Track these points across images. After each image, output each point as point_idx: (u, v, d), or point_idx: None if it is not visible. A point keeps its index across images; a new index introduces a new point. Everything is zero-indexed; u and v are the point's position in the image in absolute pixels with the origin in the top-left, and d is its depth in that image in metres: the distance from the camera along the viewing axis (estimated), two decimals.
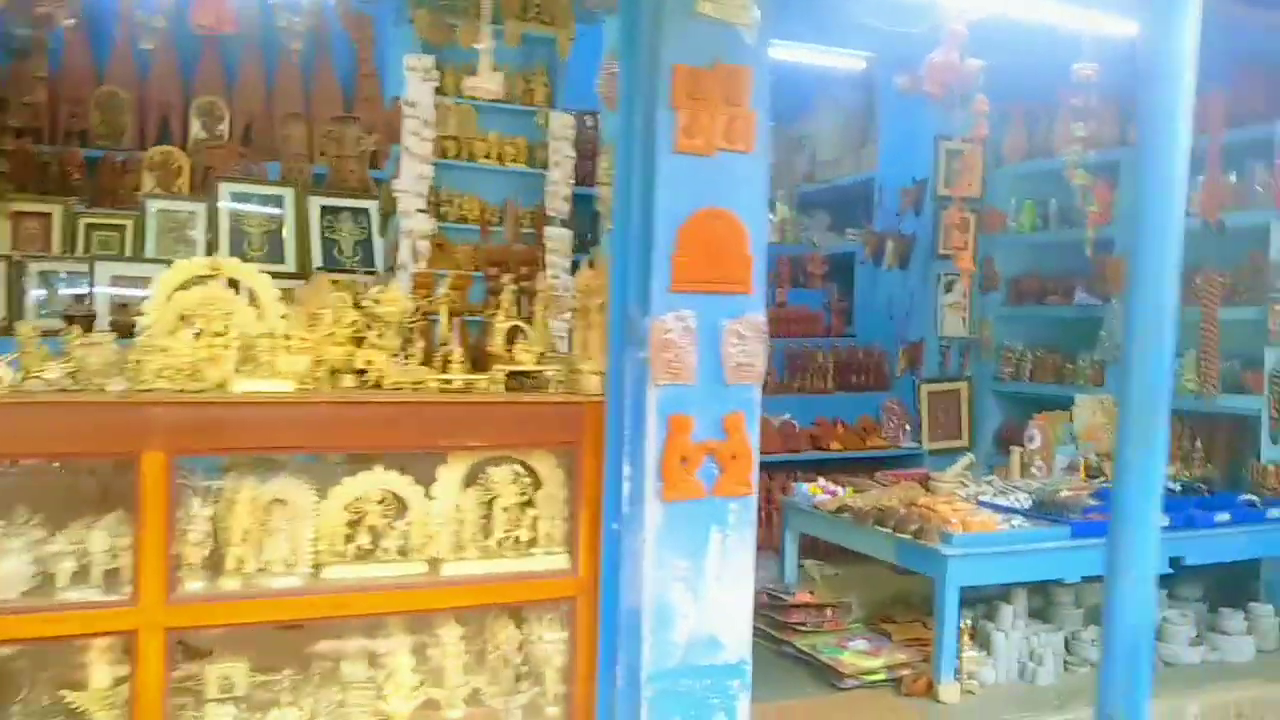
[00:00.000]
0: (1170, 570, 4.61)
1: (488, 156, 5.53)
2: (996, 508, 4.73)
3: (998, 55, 6.66)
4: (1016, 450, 5.67)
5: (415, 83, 5.24)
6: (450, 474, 3.36)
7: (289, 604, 3.10)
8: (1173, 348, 1.82)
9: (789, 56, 7.10)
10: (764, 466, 6.44)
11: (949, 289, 6.90)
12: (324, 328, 3.26)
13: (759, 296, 3.37)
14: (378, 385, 3.23)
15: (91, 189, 5.99)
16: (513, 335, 3.54)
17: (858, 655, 4.33)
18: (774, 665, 4.46)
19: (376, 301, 3.44)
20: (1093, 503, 4.97)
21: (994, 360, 6.88)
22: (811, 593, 4.85)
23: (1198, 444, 5.61)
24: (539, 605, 3.47)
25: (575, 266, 6.37)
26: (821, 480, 5.16)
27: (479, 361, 3.48)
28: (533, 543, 3.43)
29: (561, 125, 5.53)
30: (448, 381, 3.29)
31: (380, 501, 3.27)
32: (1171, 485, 5.27)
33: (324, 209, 6.37)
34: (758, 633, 4.82)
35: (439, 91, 5.40)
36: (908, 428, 6.88)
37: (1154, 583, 1.94)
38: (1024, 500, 4.94)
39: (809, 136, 8.38)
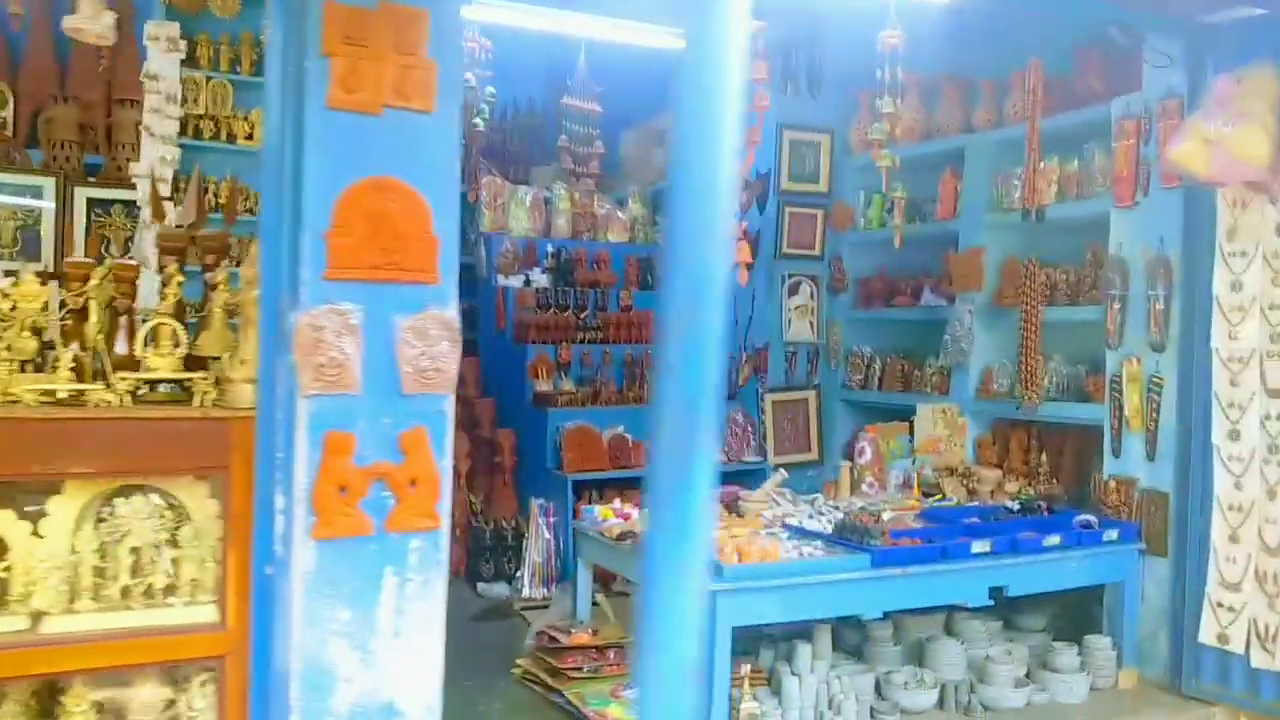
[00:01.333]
0: (991, 601, 4.12)
1: (249, 137, 4.88)
2: (802, 533, 4.19)
3: (840, 37, 6.25)
4: (845, 466, 5.16)
5: (157, 54, 4.59)
6: (64, 507, 2.71)
7: None
8: (720, 349, 1.27)
9: (643, 39, 6.57)
10: (592, 485, 5.92)
11: (795, 290, 6.39)
12: None
13: (448, 287, 2.79)
14: None
15: None
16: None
17: (630, 707, 3.74)
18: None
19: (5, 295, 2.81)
20: (915, 525, 4.48)
21: (843, 367, 6.38)
22: (595, 631, 4.26)
23: (1043, 458, 5.15)
24: (186, 666, 2.83)
25: None
26: (617, 502, 4.58)
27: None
28: (171, 590, 2.79)
29: None
30: (49, 393, 2.64)
31: None
32: (1010, 505, 4.79)
33: (91, 201, 5.67)
34: (532, 680, 4.24)
35: (193, 64, 4.74)
36: (752, 440, 6.34)
37: (695, 627, 1.34)
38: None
39: (669, 130, 7.82)
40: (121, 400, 2.69)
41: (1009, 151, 5.31)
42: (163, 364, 2.79)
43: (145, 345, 2.81)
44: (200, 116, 4.75)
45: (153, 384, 2.79)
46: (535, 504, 5.80)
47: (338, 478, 2.64)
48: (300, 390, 2.62)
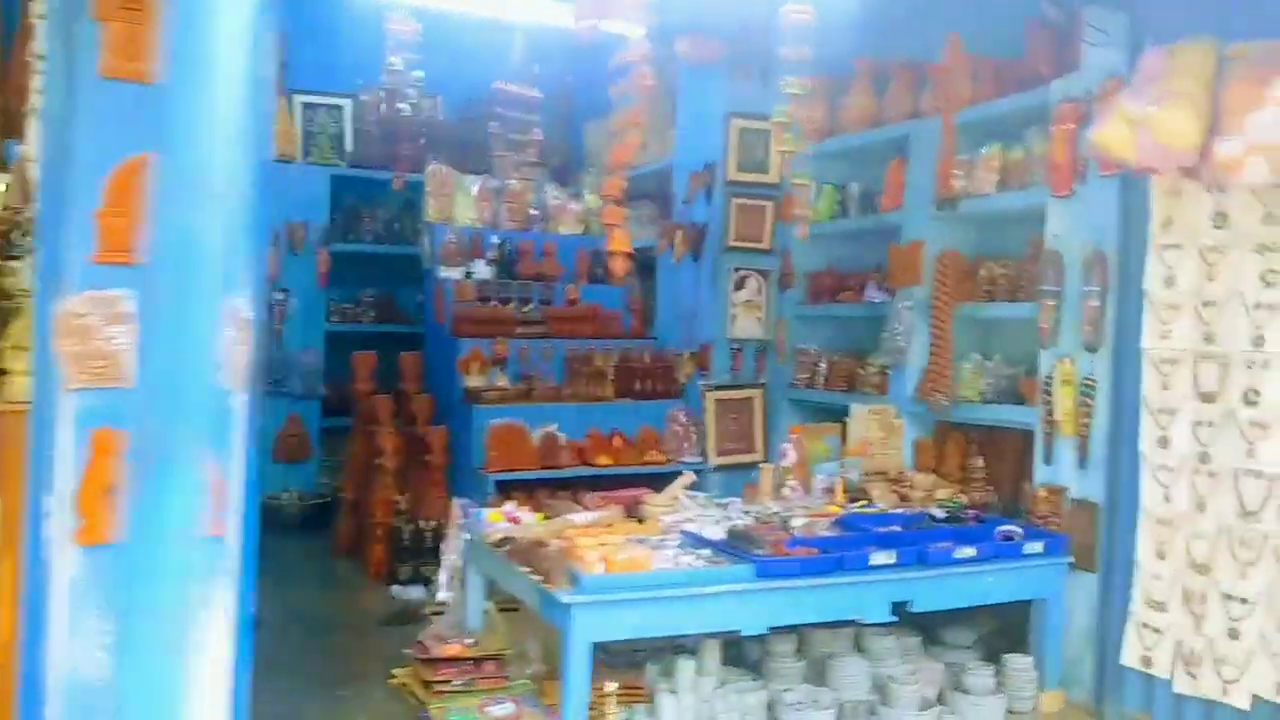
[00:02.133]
0: (894, 618, 3.84)
1: None
2: (697, 540, 3.93)
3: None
4: (766, 468, 4.89)
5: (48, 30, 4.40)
6: None
7: None
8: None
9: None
10: (520, 485, 5.68)
11: (741, 285, 6.11)
12: None
13: (236, 275, 2.57)
14: None
15: None
16: None
17: None
18: None
19: None
20: (827, 533, 4.21)
21: (790, 365, 6.10)
22: (475, 642, 4.03)
23: (980, 463, 4.85)
24: None
25: None
26: (509, 505, 4.35)
27: None
28: None
29: None
30: None
31: None
32: (935, 512, 4.51)
33: None
34: (409, 692, 4.02)
35: None
36: (694, 440, 6.08)
37: None
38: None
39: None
40: None
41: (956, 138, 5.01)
42: None
43: None
44: None
45: None
46: (456, 504, 5.57)
47: (105, 479, 2.43)
48: (63, 383, 2.41)
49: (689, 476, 4.57)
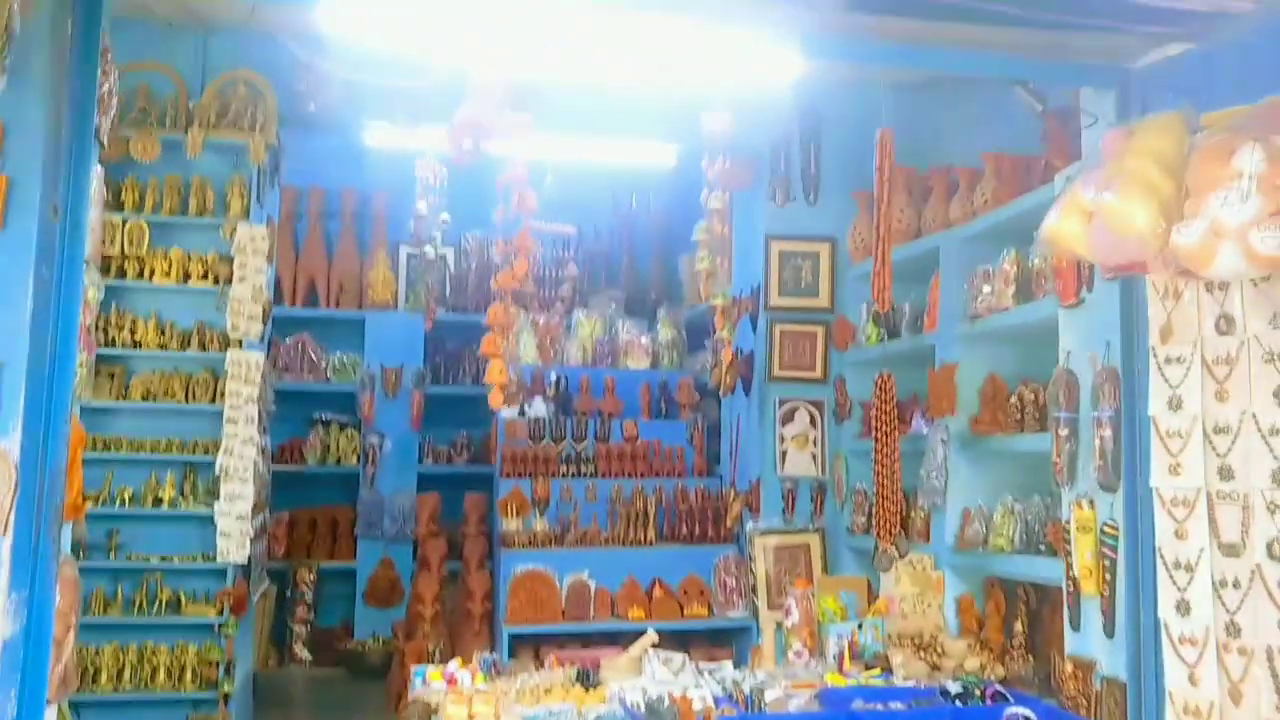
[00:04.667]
0: None
1: (167, 275, 4.99)
2: (628, 713, 3.45)
3: (836, 131, 5.64)
4: (769, 629, 4.31)
5: None
6: None
7: None
8: None
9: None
10: (542, 639, 5.33)
11: (790, 418, 5.61)
12: None
13: (7, 418, 2.52)
14: None
15: None
16: None
17: None
18: None
19: None
20: (798, 710, 3.60)
21: (846, 506, 5.48)
22: None
23: (1018, 627, 4.06)
24: None
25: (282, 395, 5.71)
26: (453, 665, 4.01)
27: None
28: None
29: (250, 237, 4.92)
30: None
31: None
32: (951, 687, 3.77)
33: None
34: None
35: (118, 207, 4.96)
36: (744, 591, 5.54)
37: None
38: (707, 700, 3.65)
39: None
40: None
41: (980, 247, 4.44)
42: None
43: None
44: (121, 256, 4.92)
45: None
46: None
47: None
48: None
49: (651, 636, 4.09)
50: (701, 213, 5.04)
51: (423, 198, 5.47)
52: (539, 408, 6.45)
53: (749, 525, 5.57)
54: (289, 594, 7.39)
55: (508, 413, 6.36)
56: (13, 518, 2.53)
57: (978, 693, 3.70)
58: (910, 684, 3.90)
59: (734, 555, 5.67)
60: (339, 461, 7.76)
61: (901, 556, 4.14)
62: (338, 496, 7.82)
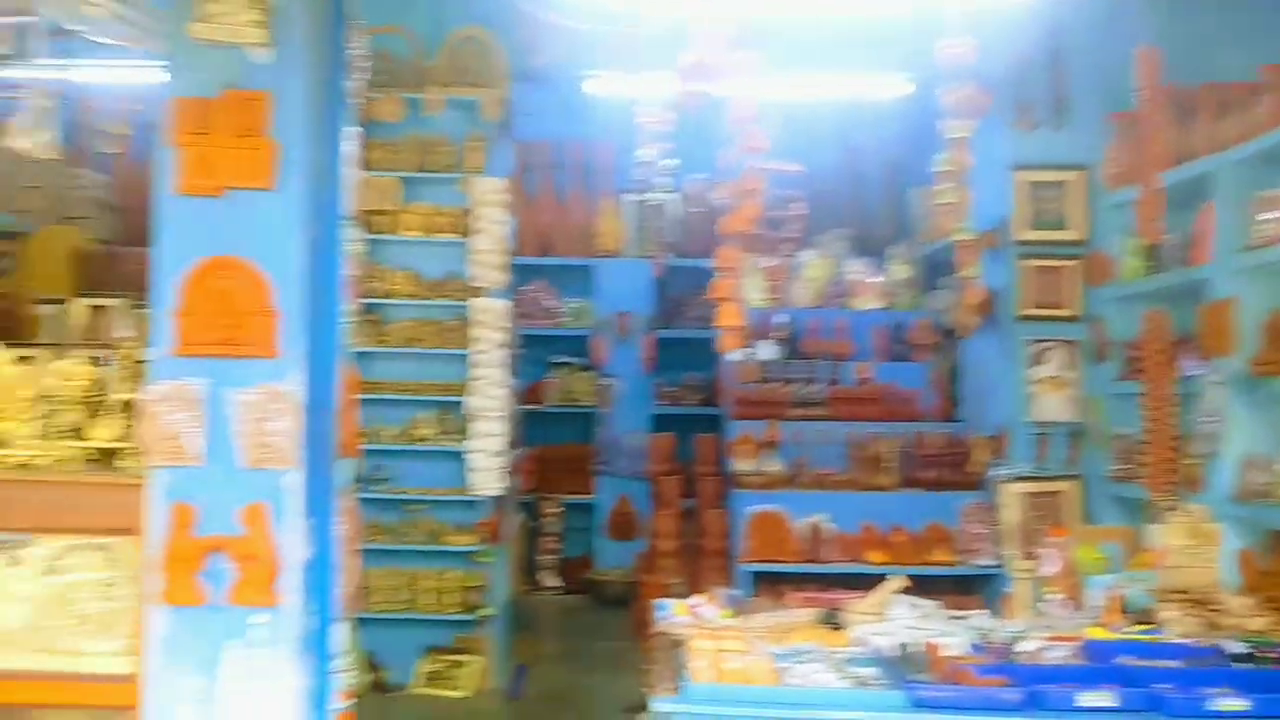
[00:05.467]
0: None
1: (415, 229, 5.29)
2: (873, 656, 3.39)
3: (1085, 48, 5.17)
4: (1020, 578, 4.11)
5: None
6: (32, 558, 3.11)
7: None
8: None
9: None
10: (780, 578, 5.33)
11: (1041, 359, 5.27)
12: None
13: (290, 360, 2.77)
14: None
15: None
16: None
17: None
18: None
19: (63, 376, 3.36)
20: (1061, 662, 3.42)
21: (1105, 452, 5.11)
22: None
23: None
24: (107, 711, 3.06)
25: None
26: (697, 600, 4.07)
27: None
28: (100, 641, 3.05)
29: (487, 190, 5.13)
30: (5, 456, 3.07)
31: None
32: (1233, 647, 3.46)
33: None
34: None
35: (368, 166, 5.30)
36: (991, 539, 5.31)
37: None
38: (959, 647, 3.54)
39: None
40: (72, 464, 3.01)
41: (1259, 170, 3.96)
42: (102, 433, 3.10)
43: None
44: (372, 212, 5.26)
45: (101, 451, 3.10)
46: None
47: (179, 547, 2.73)
48: (147, 462, 2.77)
49: (900, 580, 3.97)
50: (937, 144, 4.78)
51: (646, 145, 5.50)
52: (767, 350, 6.40)
53: (995, 472, 5.32)
54: (536, 526, 7.80)
55: (735, 355, 6.36)
56: (300, 453, 2.78)
57: (1266, 655, 3.37)
58: (1187, 642, 3.60)
59: (979, 502, 5.44)
60: (576, 402, 8.07)
61: (1175, 507, 3.81)
62: (577, 435, 8.15)
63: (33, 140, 2.99)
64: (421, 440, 5.51)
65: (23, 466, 3.04)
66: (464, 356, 5.42)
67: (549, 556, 7.86)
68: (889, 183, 7.80)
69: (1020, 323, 5.32)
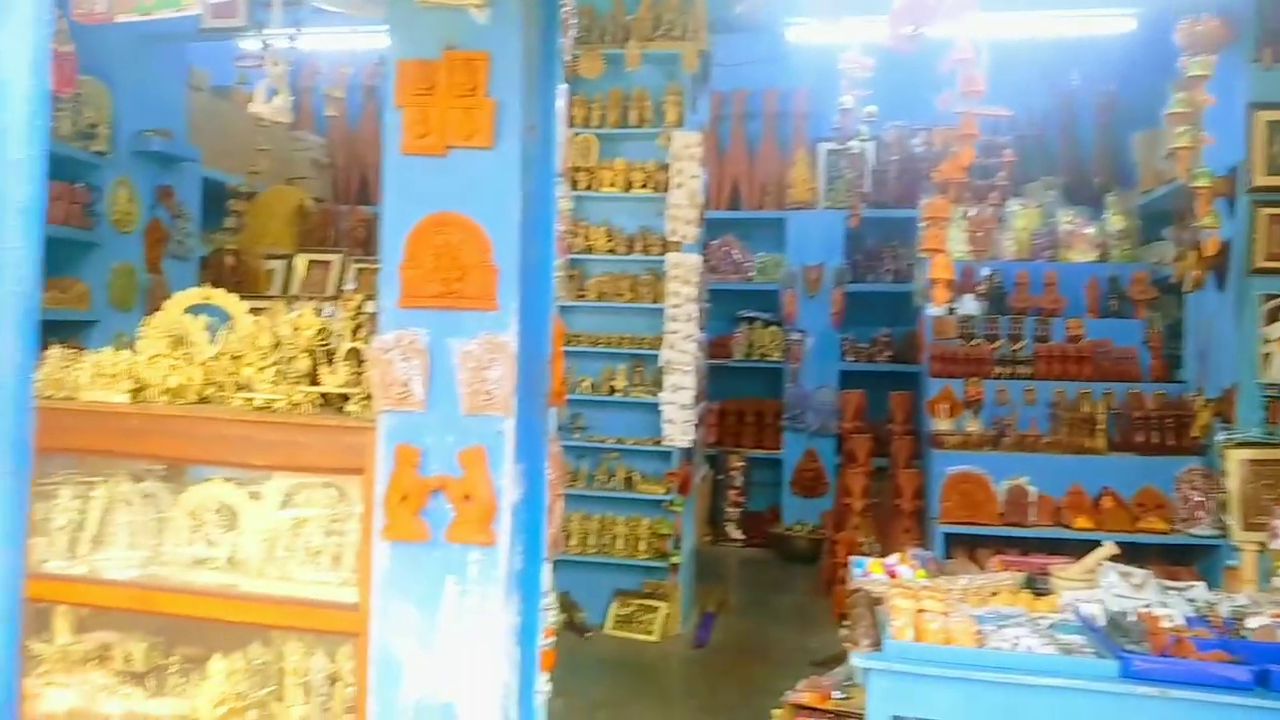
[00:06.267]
0: None
1: (612, 185, 5.36)
2: (1084, 624, 3.27)
3: None
4: (1249, 549, 3.82)
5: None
6: (271, 492, 3.40)
7: (127, 594, 3.40)
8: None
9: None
10: (977, 540, 5.16)
11: (1275, 317, 4.84)
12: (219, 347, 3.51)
13: (506, 313, 2.87)
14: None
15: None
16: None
17: None
18: None
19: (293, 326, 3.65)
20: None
21: None
22: (847, 696, 3.82)
23: None
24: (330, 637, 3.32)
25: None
26: (893, 559, 4.02)
27: None
28: (332, 570, 3.31)
29: (685, 144, 5.14)
30: (248, 400, 3.34)
31: (216, 511, 3.45)
32: None
33: None
34: None
35: (569, 123, 5.40)
36: (1211, 508, 4.97)
37: None
38: (1176, 619, 3.37)
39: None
40: (303, 409, 3.27)
41: None
42: (331, 380, 3.33)
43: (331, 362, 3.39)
44: (573, 169, 5.37)
45: (328, 396, 3.34)
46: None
47: (402, 487, 2.91)
48: (375, 407, 2.95)
49: (1111, 547, 3.77)
50: (1162, 84, 4.42)
51: (848, 91, 5.35)
52: (969, 305, 6.16)
53: (1220, 436, 4.95)
54: (721, 479, 7.87)
55: (936, 310, 6.16)
56: (514, 401, 2.90)
57: None
58: None
59: (1200, 468, 5.08)
60: (763, 357, 8.05)
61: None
62: (762, 390, 8.13)
63: (272, 106, 3.21)
64: (615, 391, 5.64)
65: (263, 409, 3.31)
66: (656, 310, 5.49)
67: (733, 509, 7.93)
68: (1105, 126, 7.30)
69: (1253, 276, 4.88)
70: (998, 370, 5.72)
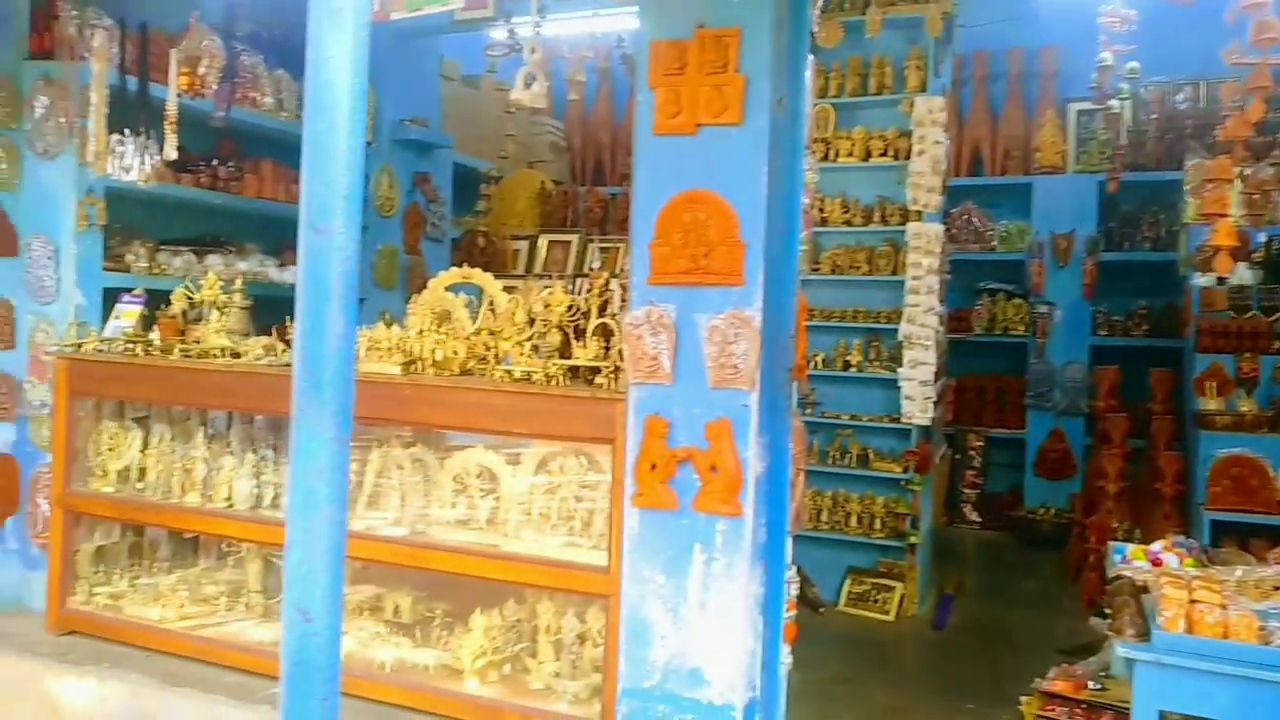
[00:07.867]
0: None
1: (850, 155, 5.25)
2: None
3: None
4: None
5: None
6: (528, 459, 3.61)
7: (397, 550, 3.70)
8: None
9: None
10: (1248, 530, 4.72)
11: None
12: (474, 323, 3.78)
13: (752, 289, 2.90)
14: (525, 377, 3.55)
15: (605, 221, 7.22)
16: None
17: None
18: None
19: (545, 303, 3.88)
20: None
21: None
22: (1102, 688, 3.64)
23: None
24: (581, 597, 3.48)
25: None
26: (1157, 546, 3.76)
27: None
28: (583, 534, 3.47)
29: (928, 109, 4.97)
30: (508, 373, 3.55)
31: (478, 475, 3.70)
32: None
33: None
34: None
35: None
36: None
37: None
38: None
39: None
40: (557, 381, 3.44)
41: None
42: (582, 354, 3.48)
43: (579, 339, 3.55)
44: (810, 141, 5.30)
45: (576, 369, 3.48)
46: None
47: (651, 456, 3.01)
48: (626, 379, 3.06)
49: None
50: None
51: (1107, 47, 4.98)
52: (1243, 274, 5.62)
53: None
54: (958, 458, 7.61)
55: (1205, 280, 5.67)
56: (759, 375, 2.93)
57: None
58: None
59: None
60: (1005, 331, 7.68)
61: None
62: (1003, 365, 7.77)
63: (531, 93, 3.37)
64: (851, 366, 5.56)
65: (521, 380, 3.51)
66: (893, 283, 5.36)
67: (970, 490, 7.65)
68: None
69: None
70: (1276, 345, 5.20)
